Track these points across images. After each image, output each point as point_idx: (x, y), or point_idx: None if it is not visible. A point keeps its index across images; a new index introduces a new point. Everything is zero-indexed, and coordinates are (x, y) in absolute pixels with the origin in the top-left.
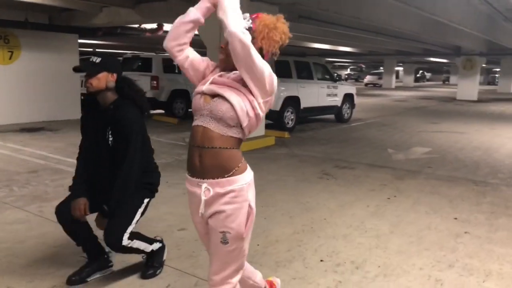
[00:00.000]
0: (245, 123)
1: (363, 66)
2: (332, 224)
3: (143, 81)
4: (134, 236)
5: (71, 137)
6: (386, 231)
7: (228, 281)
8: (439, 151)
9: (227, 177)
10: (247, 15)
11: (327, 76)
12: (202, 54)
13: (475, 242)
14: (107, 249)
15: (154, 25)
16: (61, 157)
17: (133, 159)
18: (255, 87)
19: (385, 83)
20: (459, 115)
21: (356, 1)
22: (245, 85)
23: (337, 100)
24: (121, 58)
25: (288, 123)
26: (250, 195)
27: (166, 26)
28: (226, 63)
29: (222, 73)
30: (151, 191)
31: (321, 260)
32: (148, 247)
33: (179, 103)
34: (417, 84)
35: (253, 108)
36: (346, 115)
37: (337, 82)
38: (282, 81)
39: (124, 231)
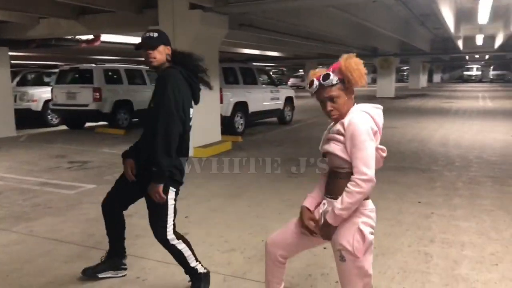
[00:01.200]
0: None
1: (285, 69)
2: None
3: (84, 94)
4: (181, 238)
5: (19, 155)
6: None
7: None
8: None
9: None
10: (331, 76)
11: (269, 81)
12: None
13: (443, 220)
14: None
15: (90, 36)
16: (19, 176)
17: (166, 122)
18: None
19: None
20: (384, 112)
21: (296, 10)
22: None
23: (279, 103)
24: (56, 70)
25: (238, 127)
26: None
27: (104, 37)
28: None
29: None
30: (175, 179)
31: (324, 248)
32: (192, 259)
33: (123, 113)
34: None
35: None
36: (287, 117)
37: (278, 86)
38: (230, 88)
39: (165, 223)
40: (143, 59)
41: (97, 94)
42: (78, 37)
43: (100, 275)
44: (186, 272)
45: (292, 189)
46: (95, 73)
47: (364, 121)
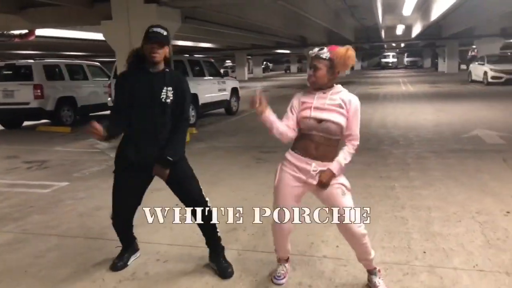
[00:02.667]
0: None
1: (212, 60)
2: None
3: (24, 91)
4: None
5: None
6: None
7: None
8: None
9: None
10: (325, 48)
11: (215, 72)
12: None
13: (406, 191)
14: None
15: (24, 30)
16: None
17: (188, 116)
18: None
19: (239, 75)
20: None
21: (241, 4)
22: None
23: (226, 94)
24: None
25: (190, 119)
26: None
27: (40, 31)
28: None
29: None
30: None
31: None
32: (216, 224)
33: (67, 110)
34: (265, 74)
35: None
36: (234, 107)
37: (224, 78)
38: None
39: (202, 191)
40: (147, 51)
41: (39, 91)
42: (11, 32)
43: (129, 263)
44: (211, 241)
45: (265, 173)
46: (34, 69)
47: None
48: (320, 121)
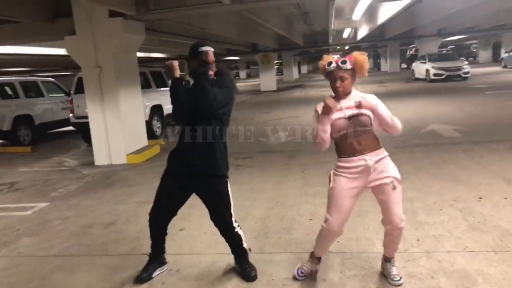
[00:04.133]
0: None
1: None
2: (286, 196)
3: None
4: (237, 223)
5: None
6: (323, 189)
7: None
8: (294, 133)
9: None
10: (347, 60)
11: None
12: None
13: None
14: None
15: None
16: None
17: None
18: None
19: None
20: (278, 103)
21: (202, 15)
22: None
23: None
24: None
25: (156, 131)
26: None
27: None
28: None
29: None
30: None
31: (310, 219)
32: (243, 239)
33: (24, 129)
34: None
35: None
36: None
37: None
38: (145, 92)
39: (231, 212)
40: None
41: None
42: None
43: (153, 275)
44: (236, 252)
45: (248, 178)
46: None
47: None
48: (351, 117)
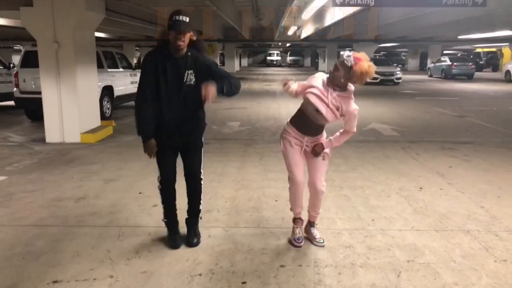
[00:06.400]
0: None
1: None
2: (250, 180)
3: None
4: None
5: None
6: (283, 175)
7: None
8: (245, 123)
9: None
10: (351, 55)
11: (127, 65)
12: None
13: (337, 174)
14: None
15: None
16: None
17: (230, 74)
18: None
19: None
20: None
21: None
22: None
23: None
24: None
25: (106, 112)
26: None
27: None
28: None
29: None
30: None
31: (276, 200)
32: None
33: None
34: None
35: None
36: None
37: (136, 70)
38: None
39: (200, 166)
40: (173, 39)
41: None
42: None
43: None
44: (192, 213)
45: (207, 162)
46: None
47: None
48: (318, 111)
